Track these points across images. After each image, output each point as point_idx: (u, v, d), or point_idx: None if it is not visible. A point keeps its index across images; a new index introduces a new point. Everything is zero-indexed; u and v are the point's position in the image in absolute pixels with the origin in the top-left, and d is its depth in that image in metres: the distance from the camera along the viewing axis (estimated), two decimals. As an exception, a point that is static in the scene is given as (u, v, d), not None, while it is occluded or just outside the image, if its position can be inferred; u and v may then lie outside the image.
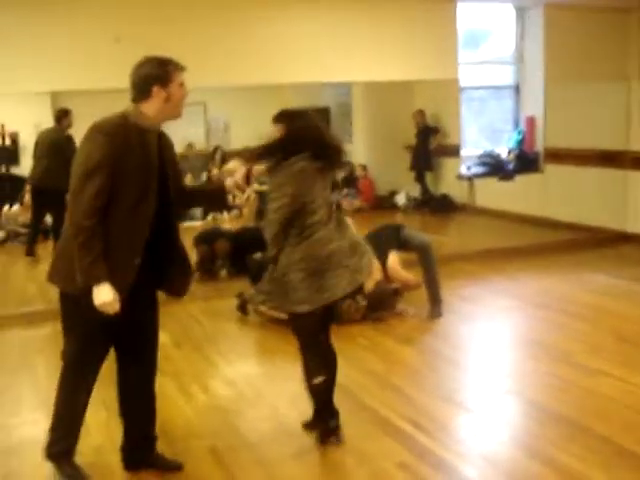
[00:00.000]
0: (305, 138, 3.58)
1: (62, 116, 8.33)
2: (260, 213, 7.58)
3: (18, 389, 4.78)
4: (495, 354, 5.17)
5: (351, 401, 4.29)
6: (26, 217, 10.12)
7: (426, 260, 5.96)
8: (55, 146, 8.19)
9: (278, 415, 3.98)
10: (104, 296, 3.01)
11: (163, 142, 3.33)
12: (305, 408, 3.87)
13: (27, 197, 10.09)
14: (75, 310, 3.19)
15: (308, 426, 3.82)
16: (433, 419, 4.00)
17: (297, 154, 3.52)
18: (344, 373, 4.68)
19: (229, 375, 4.79)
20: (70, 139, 7.99)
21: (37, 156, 8.44)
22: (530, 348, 5.20)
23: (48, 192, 7.99)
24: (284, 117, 3.66)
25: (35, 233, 8.85)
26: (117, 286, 3.05)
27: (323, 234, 3.57)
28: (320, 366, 3.67)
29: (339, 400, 4.28)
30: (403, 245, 6.09)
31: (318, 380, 3.65)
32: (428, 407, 4.17)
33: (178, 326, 5.86)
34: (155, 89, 3.18)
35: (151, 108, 3.20)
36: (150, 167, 3.18)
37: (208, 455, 3.67)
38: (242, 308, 6.04)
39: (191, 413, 4.19)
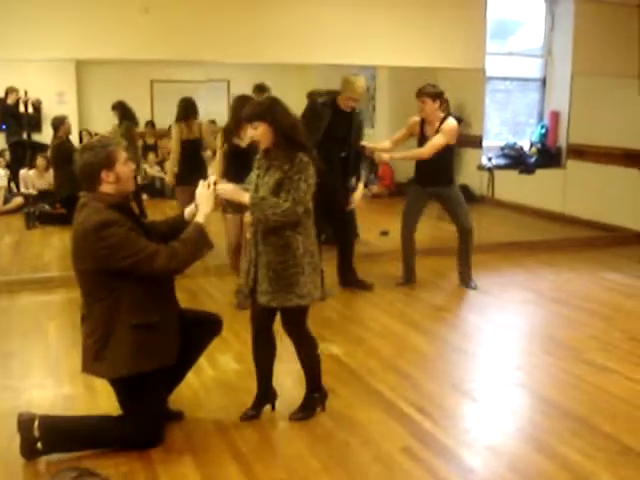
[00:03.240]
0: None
1: (58, 125, 8.59)
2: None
3: (29, 353, 4.83)
4: (506, 346, 5.15)
5: (358, 384, 4.30)
6: (42, 182, 10.22)
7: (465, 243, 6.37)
8: (55, 157, 8.74)
9: (285, 394, 3.98)
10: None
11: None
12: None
13: (40, 160, 10.21)
14: (143, 384, 3.38)
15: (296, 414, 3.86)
16: (439, 406, 3.99)
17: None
18: (353, 356, 4.73)
19: (239, 352, 4.79)
20: (66, 146, 8.48)
21: None
22: (542, 342, 5.17)
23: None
24: (265, 113, 3.53)
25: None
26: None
27: (312, 227, 3.70)
28: (316, 342, 3.84)
29: (347, 382, 4.31)
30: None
31: (319, 351, 3.85)
32: (435, 394, 4.16)
33: (189, 300, 5.87)
34: (103, 174, 3.30)
35: (107, 189, 3.33)
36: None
37: (215, 430, 3.69)
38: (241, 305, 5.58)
39: (199, 386, 4.21)
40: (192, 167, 7.17)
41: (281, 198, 3.46)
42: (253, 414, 3.83)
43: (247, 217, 3.80)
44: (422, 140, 6.17)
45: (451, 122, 6.14)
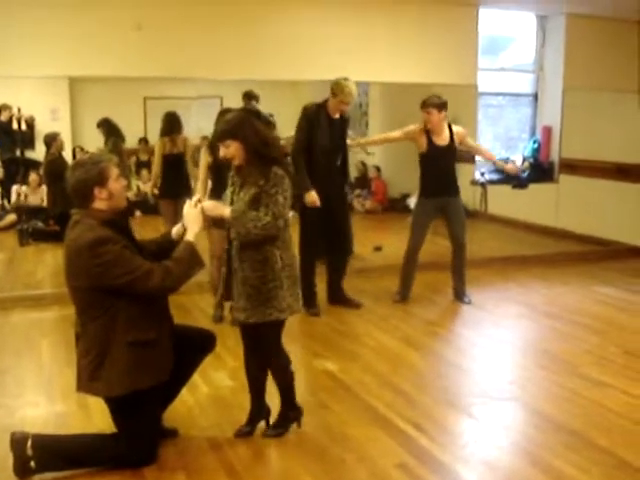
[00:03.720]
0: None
1: (50, 142, 8.57)
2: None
3: (21, 371, 4.81)
4: (500, 360, 5.14)
5: (353, 400, 4.29)
6: (34, 197, 10.21)
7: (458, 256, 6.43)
8: (48, 174, 8.73)
9: (277, 410, 3.96)
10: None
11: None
12: (303, 402, 3.92)
13: (33, 177, 10.21)
14: (138, 402, 3.36)
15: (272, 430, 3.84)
16: (435, 422, 3.98)
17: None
18: (348, 372, 4.72)
19: (233, 368, 4.78)
20: (59, 162, 8.42)
21: None
22: (536, 356, 5.17)
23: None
24: (236, 131, 3.54)
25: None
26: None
27: (290, 240, 3.70)
28: (289, 358, 3.81)
29: (342, 398, 4.29)
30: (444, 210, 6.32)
31: (291, 368, 3.80)
32: (430, 410, 4.15)
33: (183, 316, 5.85)
34: (96, 191, 3.29)
35: (100, 206, 3.32)
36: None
37: (208, 447, 3.67)
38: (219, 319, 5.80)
39: (193, 403, 4.19)
40: (176, 181, 7.21)
41: (261, 212, 3.46)
42: (247, 431, 3.81)
43: None
44: (432, 149, 6.19)
45: (460, 127, 6.40)
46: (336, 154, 6.02)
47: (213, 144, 5.71)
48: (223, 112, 5.53)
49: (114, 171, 3.34)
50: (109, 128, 9.56)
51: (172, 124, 7.31)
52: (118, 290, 3.23)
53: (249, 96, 8.11)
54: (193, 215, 3.52)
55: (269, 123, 7.16)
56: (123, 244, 3.26)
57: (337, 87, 5.87)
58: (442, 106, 6.13)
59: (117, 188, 3.35)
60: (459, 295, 6.46)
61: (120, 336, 3.27)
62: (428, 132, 6.17)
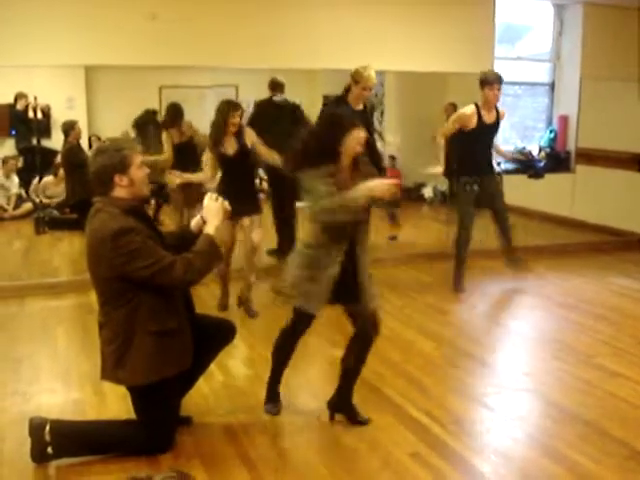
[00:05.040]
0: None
1: (68, 130, 8.49)
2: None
3: (38, 358, 4.84)
4: (515, 351, 5.14)
5: (367, 389, 4.28)
6: (55, 190, 10.24)
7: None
8: (66, 162, 8.54)
9: (292, 398, 3.99)
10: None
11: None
12: (318, 392, 3.95)
13: (61, 170, 10.22)
14: (160, 390, 3.39)
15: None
16: (448, 412, 3.99)
17: None
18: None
19: (248, 357, 4.81)
20: (77, 150, 8.29)
21: None
22: (551, 347, 5.16)
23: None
24: None
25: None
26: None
27: None
28: None
29: (357, 387, 4.27)
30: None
31: None
32: (444, 400, 4.16)
33: (197, 305, 5.86)
34: (117, 178, 3.28)
35: (121, 193, 3.32)
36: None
37: (224, 435, 3.69)
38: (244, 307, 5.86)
39: (208, 392, 4.21)
40: (187, 169, 7.18)
41: None
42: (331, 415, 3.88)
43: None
44: (480, 126, 6.18)
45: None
46: (370, 149, 5.91)
47: (212, 138, 5.53)
48: (227, 103, 5.46)
49: (136, 159, 3.33)
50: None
51: (176, 115, 7.26)
52: (140, 282, 3.24)
53: (273, 85, 8.04)
54: (214, 208, 3.52)
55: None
56: (146, 234, 3.26)
57: (357, 74, 5.84)
58: None
59: (139, 176, 3.34)
60: (513, 259, 6.59)
61: (143, 325, 3.29)
62: (479, 110, 6.15)
